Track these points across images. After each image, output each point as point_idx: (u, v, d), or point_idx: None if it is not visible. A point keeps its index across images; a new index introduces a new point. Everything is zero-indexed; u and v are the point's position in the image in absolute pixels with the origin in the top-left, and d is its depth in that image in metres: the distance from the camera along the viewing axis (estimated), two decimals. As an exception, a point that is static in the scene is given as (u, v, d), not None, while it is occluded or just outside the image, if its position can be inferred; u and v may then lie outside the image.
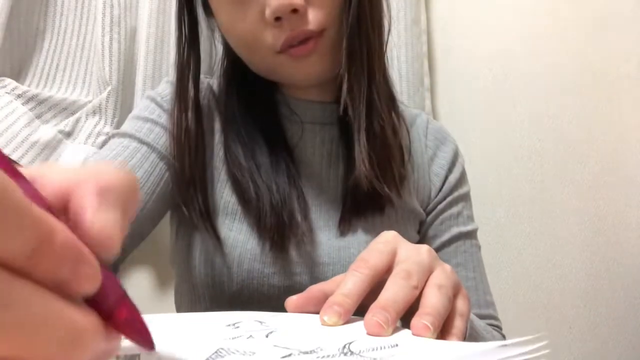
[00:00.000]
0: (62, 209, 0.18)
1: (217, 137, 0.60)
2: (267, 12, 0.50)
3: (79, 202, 0.17)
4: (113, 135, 0.59)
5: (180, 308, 0.63)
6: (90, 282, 0.16)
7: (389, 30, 0.60)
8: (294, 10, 0.50)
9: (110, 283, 0.18)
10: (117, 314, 0.18)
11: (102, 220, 0.17)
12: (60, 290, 0.15)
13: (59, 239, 0.15)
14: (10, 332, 0.13)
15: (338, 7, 0.53)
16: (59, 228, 0.15)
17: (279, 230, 0.54)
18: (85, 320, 0.16)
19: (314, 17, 0.52)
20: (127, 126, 0.59)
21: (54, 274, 0.15)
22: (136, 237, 0.56)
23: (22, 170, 0.17)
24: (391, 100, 0.63)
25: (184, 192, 0.56)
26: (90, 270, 0.16)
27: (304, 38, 0.52)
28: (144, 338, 0.19)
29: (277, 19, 0.51)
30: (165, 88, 0.62)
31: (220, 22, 0.56)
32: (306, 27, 0.52)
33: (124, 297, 0.18)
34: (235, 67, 0.62)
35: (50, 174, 0.19)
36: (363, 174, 0.55)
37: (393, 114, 0.61)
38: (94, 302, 0.17)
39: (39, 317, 0.14)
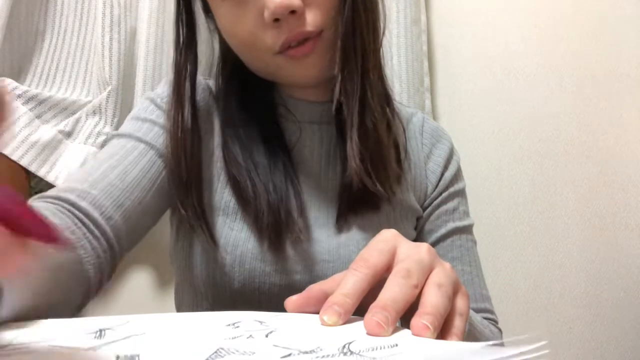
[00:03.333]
0: None
1: (217, 139, 0.61)
2: (266, 13, 0.51)
3: None
4: (112, 137, 0.60)
5: (180, 307, 0.63)
6: None
7: (384, 30, 0.60)
8: (293, 12, 0.51)
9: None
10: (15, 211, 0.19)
11: None
12: None
13: None
14: None
15: (335, 8, 0.54)
16: None
17: (276, 228, 0.54)
18: None
19: (312, 18, 0.53)
20: (126, 127, 0.60)
21: None
22: (134, 232, 0.56)
23: None
24: (386, 98, 0.63)
25: (180, 190, 0.56)
26: None
27: (302, 39, 0.53)
28: (44, 229, 0.19)
29: (276, 20, 0.51)
30: (165, 90, 0.62)
31: (220, 23, 0.57)
32: (304, 29, 0.52)
33: (23, 202, 0.19)
34: (233, 67, 0.62)
35: None
36: (354, 170, 0.55)
37: (387, 111, 0.61)
38: None
39: None
